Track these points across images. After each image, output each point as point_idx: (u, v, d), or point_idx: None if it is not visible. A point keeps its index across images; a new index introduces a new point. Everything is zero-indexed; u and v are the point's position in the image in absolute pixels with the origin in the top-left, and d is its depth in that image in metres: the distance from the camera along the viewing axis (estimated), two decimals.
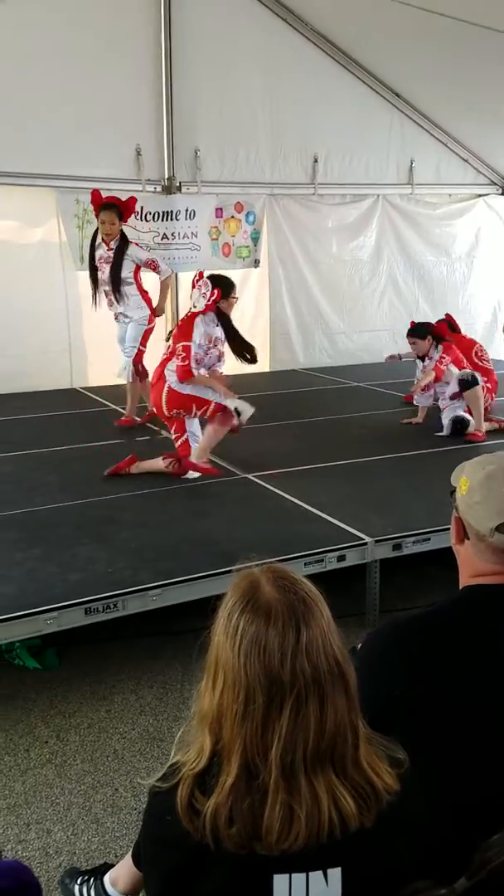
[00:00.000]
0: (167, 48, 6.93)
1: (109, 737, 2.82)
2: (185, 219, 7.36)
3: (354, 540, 3.47)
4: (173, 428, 4.54)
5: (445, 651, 1.34)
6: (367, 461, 4.74)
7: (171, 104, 7.10)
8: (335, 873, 1.03)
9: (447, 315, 5.97)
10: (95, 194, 5.46)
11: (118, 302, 5.46)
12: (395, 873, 1.07)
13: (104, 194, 5.62)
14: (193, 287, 4.49)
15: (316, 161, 7.80)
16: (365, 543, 3.45)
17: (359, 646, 1.50)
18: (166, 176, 7.33)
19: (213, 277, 4.52)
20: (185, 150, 7.29)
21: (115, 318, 5.59)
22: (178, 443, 4.49)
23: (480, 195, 8.74)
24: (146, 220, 7.20)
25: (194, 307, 4.44)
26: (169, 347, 4.53)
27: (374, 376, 6.99)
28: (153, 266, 5.60)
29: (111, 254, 5.37)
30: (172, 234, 7.34)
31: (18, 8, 6.25)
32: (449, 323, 5.83)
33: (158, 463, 4.44)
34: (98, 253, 5.40)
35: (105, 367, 6.40)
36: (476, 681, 1.32)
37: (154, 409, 4.65)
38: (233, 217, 7.65)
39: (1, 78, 6.31)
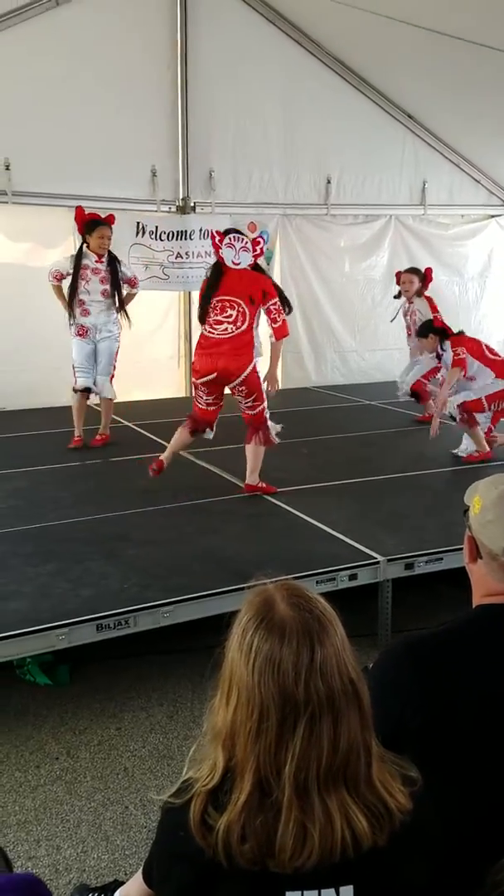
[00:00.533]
0: (183, 72, 7.05)
1: (120, 754, 2.81)
2: (199, 238, 7.43)
3: (366, 559, 3.47)
4: (253, 398, 4.41)
5: (458, 670, 1.34)
6: (378, 480, 4.74)
7: (187, 127, 7.21)
8: (347, 891, 1.03)
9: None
10: (80, 211, 5.50)
11: (104, 313, 5.51)
12: (407, 893, 1.07)
13: (119, 214, 5.72)
14: (216, 248, 4.37)
15: (329, 182, 7.88)
16: (377, 562, 3.44)
17: (371, 665, 1.50)
18: (181, 196, 7.42)
19: (229, 231, 4.50)
20: (199, 171, 7.39)
21: (82, 334, 5.48)
22: (256, 411, 4.45)
23: (493, 216, 8.78)
24: (160, 240, 7.28)
25: (236, 264, 4.32)
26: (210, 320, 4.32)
27: (386, 395, 6.99)
28: (134, 283, 5.71)
29: (100, 265, 5.43)
30: (186, 254, 7.41)
31: (37, 34, 6.39)
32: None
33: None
34: (84, 262, 5.43)
35: (115, 384, 6.43)
36: (489, 700, 1.32)
37: (225, 377, 4.35)
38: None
39: (19, 100, 6.43)
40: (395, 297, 6.53)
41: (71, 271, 5.42)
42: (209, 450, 5.29)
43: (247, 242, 4.38)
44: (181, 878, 1.08)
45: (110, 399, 5.70)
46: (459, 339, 5.19)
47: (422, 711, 1.32)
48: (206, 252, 7.50)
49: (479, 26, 5.89)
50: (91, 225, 5.40)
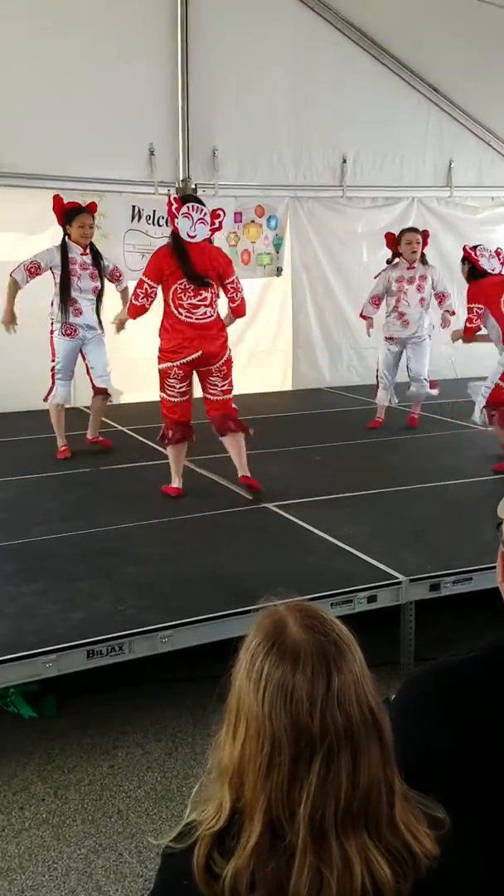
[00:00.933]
0: (183, 42, 7.09)
1: (113, 795, 2.81)
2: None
3: (387, 578, 3.46)
4: (229, 379, 4.69)
5: (490, 701, 1.34)
6: (400, 490, 4.74)
7: (188, 101, 7.25)
8: None
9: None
10: (58, 199, 5.51)
11: (96, 312, 5.56)
12: None
13: (111, 196, 5.74)
14: (172, 217, 4.46)
15: (345, 161, 7.92)
16: (399, 583, 3.44)
17: (392, 696, 1.50)
18: (181, 177, 7.45)
19: (187, 198, 4.60)
20: (201, 149, 7.43)
21: (70, 334, 5.50)
22: (230, 394, 4.70)
23: None
24: (158, 225, 7.32)
25: (191, 237, 4.43)
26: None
27: (407, 396, 6.98)
28: (118, 276, 5.72)
29: (87, 259, 5.47)
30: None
31: (27, 4, 6.42)
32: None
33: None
34: (72, 256, 5.45)
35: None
36: None
37: (207, 359, 4.54)
38: (253, 222, 7.76)
39: (10, 77, 6.46)
40: (388, 261, 6.30)
41: (54, 265, 5.43)
42: (210, 458, 5.30)
43: (205, 214, 4.47)
44: None
45: (108, 398, 5.74)
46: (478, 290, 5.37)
47: (450, 746, 1.32)
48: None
49: None
50: (70, 214, 5.42)
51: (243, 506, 4.48)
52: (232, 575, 3.51)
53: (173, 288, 4.44)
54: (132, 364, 6.77)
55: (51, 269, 5.46)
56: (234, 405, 4.71)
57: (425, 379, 6.32)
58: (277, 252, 7.95)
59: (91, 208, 5.58)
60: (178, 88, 7.22)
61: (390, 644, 3.48)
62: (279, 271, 7.98)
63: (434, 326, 6.39)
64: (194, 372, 4.61)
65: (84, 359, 5.65)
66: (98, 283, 5.52)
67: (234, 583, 3.39)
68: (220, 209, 4.65)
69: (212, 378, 4.60)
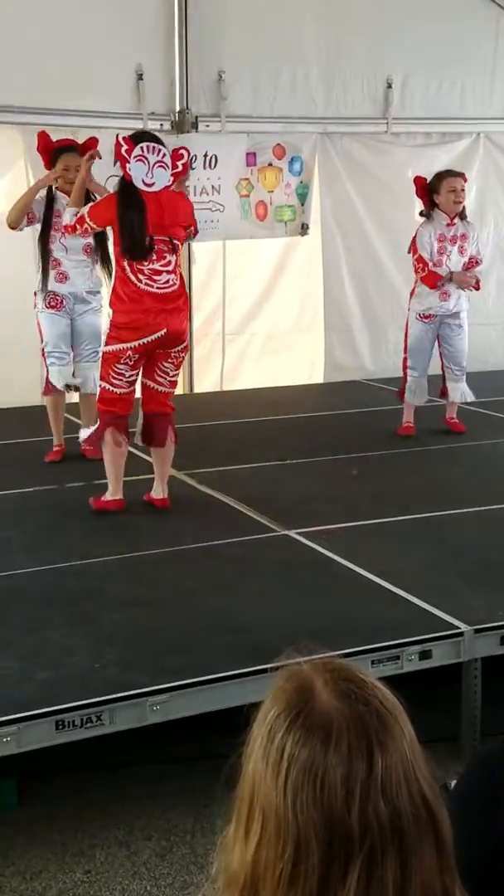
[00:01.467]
0: None
1: None
2: (204, 168, 7.49)
3: (444, 628, 3.47)
4: (180, 368, 5.07)
5: None
6: (458, 514, 4.74)
7: (186, 11, 7.29)
8: None
9: None
10: (44, 136, 5.63)
11: (85, 277, 5.67)
12: None
13: (90, 133, 5.78)
14: (122, 162, 4.57)
15: (390, 87, 7.95)
16: (461, 634, 3.44)
17: (453, 782, 1.50)
18: (177, 109, 7.49)
19: (141, 137, 4.71)
20: (204, 72, 7.48)
21: (55, 305, 5.64)
22: (175, 387, 4.99)
23: None
24: None
25: (148, 185, 4.57)
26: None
27: (473, 390, 6.99)
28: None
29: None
30: (185, 189, 7.47)
31: None
32: None
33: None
34: (56, 207, 5.54)
35: None
36: None
37: (170, 340, 4.73)
38: (271, 165, 7.78)
39: None
40: (421, 213, 6.37)
41: (39, 215, 5.53)
42: (213, 470, 5.33)
43: (164, 155, 4.62)
44: None
45: (93, 395, 5.76)
46: None
47: None
48: (213, 188, 7.57)
49: None
50: (55, 154, 5.52)
51: (259, 533, 4.49)
52: (244, 623, 3.52)
53: None
54: None
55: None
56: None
57: (464, 368, 6.40)
58: (302, 204, 7.97)
59: (89, 144, 5.61)
60: None
61: (448, 714, 3.48)
62: (304, 228, 7.99)
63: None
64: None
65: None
66: (91, 240, 5.52)
67: (246, 634, 3.40)
68: (183, 148, 4.80)
69: (164, 364, 4.75)
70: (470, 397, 6.44)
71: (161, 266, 4.58)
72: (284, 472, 5.52)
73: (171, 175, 4.64)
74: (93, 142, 5.66)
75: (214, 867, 1.13)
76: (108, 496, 4.80)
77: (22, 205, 5.58)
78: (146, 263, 4.55)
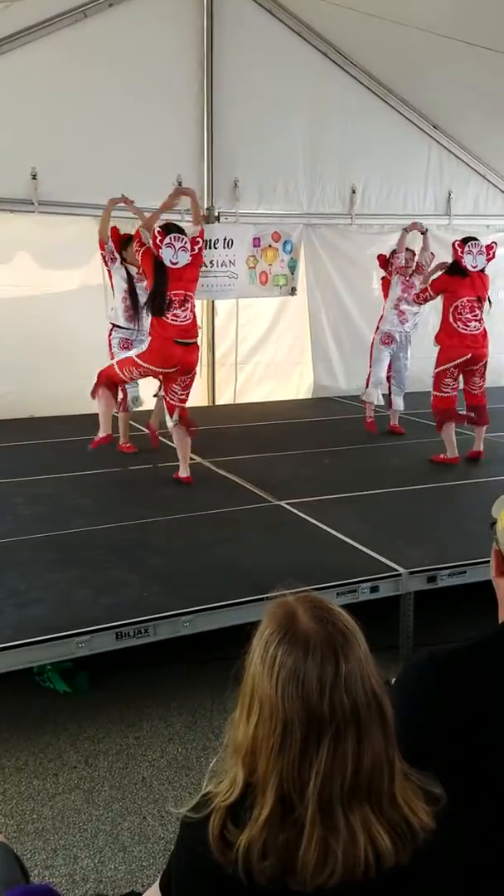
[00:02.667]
0: (208, 81, 7.10)
1: (138, 764, 2.80)
2: (223, 247, 7.46)
3: (388, 571, 3.44)
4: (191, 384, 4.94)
5: (484, 686, 1.32)
6: (401, 490, 4.70)
7: (212, 136, 7.26)
8: None
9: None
10: (115, 230, 5.55)
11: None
12: None
13: (139, 222, 5.77)
14: (157, 248, 4.55)
15: (354, 192, 7.88)
16: (399, 575, 3.41)
17: (393, 680, 1.48)
18: (206, 206, 7.45)
19: (170, 230, 4.61)
20: (224, 181, 7.42)
21: (125, 346, 5.48)
22: (188, 399, 4.96)
23: None
24: None
25: (174, 263, 4.54)
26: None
27: (413, 405, 6.94)
28: None
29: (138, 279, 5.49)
30: (211, 263, 7.43)
31: (65, 45, 6.47)
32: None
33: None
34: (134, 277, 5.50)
35: (142, 392, 6.46)
36: None
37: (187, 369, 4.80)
38: (270, 246, 7.73)
39: (49, 113, 6.51)
40: (382, 278, 6.44)
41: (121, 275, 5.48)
42: (227, 459, 5.30)
43: (185, 242, 4.56)
44: (200, 893, 1.07)
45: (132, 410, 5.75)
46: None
47: (445, 727, 1.30)
48: (230, 261, 7.54)
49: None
50: (125, 243, 5.46)
51: (259, 503, 4.46)
52: (247, 566, 3.50)
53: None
54: None
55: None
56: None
57: (405, 387, 6.35)
58: (292, 274, 7.92)
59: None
60: (203, 125, 7.23)
61: (390, 631, 3.46)
62: (293, 291, 7.95)
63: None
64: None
65: None
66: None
67: (249, 573, 3.38)
68: (198, 237, 4.72)
69: (176, 385, 4.77)
70: (402, 408, 6.38)
71: (180, 311, 4.60)
72: (277, 459, 5.49)
73: (190, 255, 4.57)
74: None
75: (225, 739, 1.11)
76: (100, 434, 4.90)
77: (104, 218, 5.51)
78: (172, 308, 4.57)
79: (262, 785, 1.02)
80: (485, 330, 5.26)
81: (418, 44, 6.35)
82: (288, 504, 4.39)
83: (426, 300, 5.54)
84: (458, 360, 5.20)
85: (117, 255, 5.40)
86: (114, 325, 5.56)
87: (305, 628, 1.04)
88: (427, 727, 1.31)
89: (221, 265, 7.49)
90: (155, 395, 5.73)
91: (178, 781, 2.71)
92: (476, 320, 5.19)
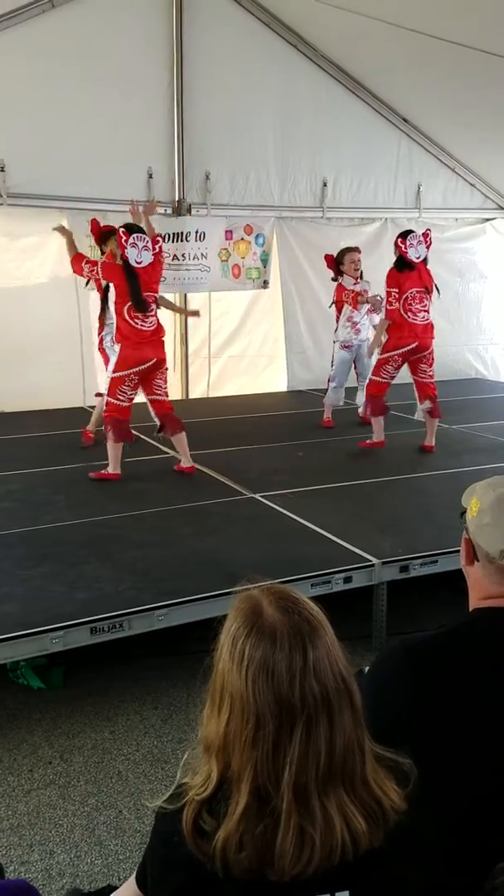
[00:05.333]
0: (179, 74, 7.03)
1: (113, 758, 2.79)
2: (195, 240, 7.42)
3: (361, 561, 3.46)
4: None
5: (456, 673, 1.33)
6: (373, 482, 4.73)
7: (183, 128, 7.19)
8: None
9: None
10: (95, 222, 5.50)
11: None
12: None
13: (113, 216, 5.70)
14: (122, 248, 4.66)
15: (325, 185, 7.87)
16: (372, 565, 3.43)
17: (366, 669, 1.49)
18: (177, 198, 7.40)
19: (132, 230, 4.74)
20: (196, 173, 7.36)
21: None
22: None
23: (487, 219, 8.79)
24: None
25: (138, 262, 4.67)
26: None
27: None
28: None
29: None
30: (183, 256, 7.40)
31: (33, 36, 6.37)
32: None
33: None
34: None
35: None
36: (484, 705, 1.31)
37: (158, 365, 4.87)
38: (242, 239, 7.71)
39: (18, 104, 6.41)
40: (333, 279, 6.38)
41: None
42: (203, 453, 5.29)
43: (147, 242, 4.73)
44: (175, 883, 1.07)
45: None
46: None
47: (419, 714, 1.31)
48: (202, 254, 7.50)
49: (474, 32, 5.89)
50: (105, 235, 5.39)
51: (233, 496, 4.46)
52: (222, 559, 3.49)
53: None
54: None
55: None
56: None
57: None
58: (265, 267, 7.91)
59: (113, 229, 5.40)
60: (173, 118, 7.15)
61: (364, 620, 3.48)
62: (266, 284, 7.93)
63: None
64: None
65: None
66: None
67: (224, 566, 3.38)
68: (158, 236, 4.87)
69: (156, 381, 4.90)
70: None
71: (149, 312, 4.74)
72: (252, 452, 5.50)
73: (153, 255, 4.72)
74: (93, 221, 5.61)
75: (198, 735, 1.11)
76: (109, 470, 4.82)
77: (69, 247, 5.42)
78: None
79: (236, 779, 1.02)
80: (431, 322, 5.42)
81: (388, 38, 6.36)
82: (262, 496, 4.39)
83: (394, 302, 5.44)
84: (404, 349, 5.38)
85: (95, 268, 5.18)
86: (103, 325, 5.45)
87: (271, 620, 1.04)
88: (401, 714, 1.32)
89: (194, 258, 7.45)
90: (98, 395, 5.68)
91: (154, 775, 2.71)
92: (424, 311, 5.37)
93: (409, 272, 5.33)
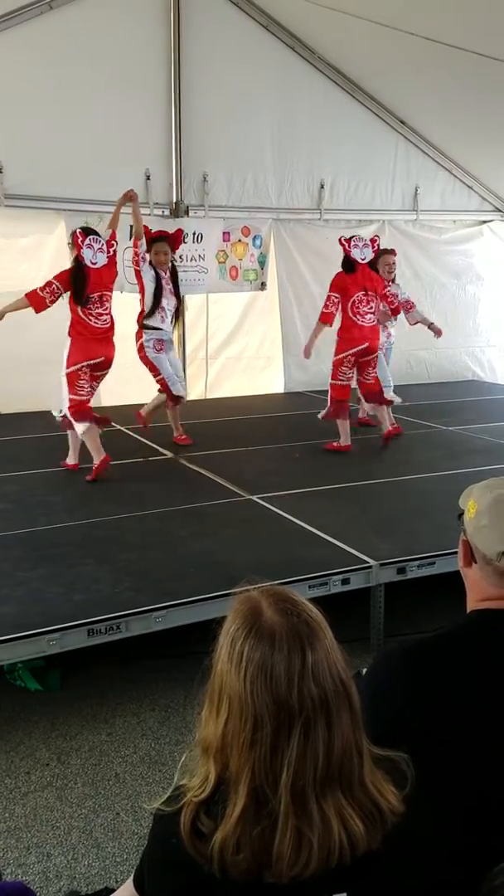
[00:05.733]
0: (176, 76, 7.05)
1: (111, 760, 2.79)
2: (193, 242, 7.43)
3: (359, 563, 3.46)
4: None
5: (454, 675, 1.34)
6: (371, 483, 4.73)
7: (180, 130, 7.20)
8: None
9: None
10: (146, 229, 5.53)
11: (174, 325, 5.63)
12: None
13: (108, 216, 5.71)
14: (78, 248, 4.85)
15: (322, 187, 7.89)
16: (369, 567, 3.43)
17: (364, 670, 1.49)
18: (174, 200, 7.41)
19: (88, 232, 4.99)
20: (193, 175, 7.38)
21: (162, 349, 5.54)
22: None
23: (484, 221, 8.81)
24: None
25: (93, 263, 4.84)
26: None
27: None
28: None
29: (166, 281, 5.47)
30: (180, 257, 7.38)
31: (30, 38, 6.39)
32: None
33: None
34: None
35: (116, 387, 6.41)
36: (482, 707, 1.31)
37: (107, 363, 5.03)
38: (240, 241, 7.72)
39: (15, 106, 6.42)
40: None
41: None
42: (199, 454, 5.29)
43: (102, 244, 4.90)
44: (173, 885, 1.07)
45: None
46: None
47: (417, 716, 1.31)
48: (199, 256, 7.51)
49: (472, 34, 5.91)
50: (152, 241, 5.42)
51: (231, 498, 4.46)
52: (220, 561, 3.49)
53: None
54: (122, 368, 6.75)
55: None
56: None
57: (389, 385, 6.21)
58: (262, 268, 7.92)
59: (177, 236, 5.56)
60: (171, 120, 7.17)
61: (362, 622, 3.48)
62: (263, 286, 7.94)
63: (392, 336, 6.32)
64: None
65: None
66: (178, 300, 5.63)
67: (222, 568, 3.37)
68: (113, 239, 5.00)
69: (98, 380, 5.05)
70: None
71: (103, 310, 4.88)
72: (249, 454, 5.49)
73: (107, 257, 4.88)
74: (179, 232, 5.65)
75: (195, 737, 1.11)
76: (95, 461, 4.80)
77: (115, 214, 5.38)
78: (93, 307, 4.84)
79: (234, 780, 1.02)
80: (377, 325, 5.63)
81: (385, 40, 6.37)
82: (259, 498, 4.39)
83: (330, 306, 5.55)
84: (355, 350, 5.51)
85: (147, 256, 5.36)
86: (143, 328, 5.49)
87: (270, 622, 1.04)
88: (399, 716, 1.32)
89: (191, 260, 7.46)
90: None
91: (152, 777, 2.70)
92: (371, 313, 5.53)
93: (353, 276, 5.48)
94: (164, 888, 1.09)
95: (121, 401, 6.74)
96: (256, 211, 7.71)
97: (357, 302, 5.46)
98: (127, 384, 6.56)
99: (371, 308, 5.50)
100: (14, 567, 3.45)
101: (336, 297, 5.46)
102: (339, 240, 5.60)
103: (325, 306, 5.53)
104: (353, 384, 5.78)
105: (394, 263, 6.10)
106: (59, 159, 6.59)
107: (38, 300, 4.91)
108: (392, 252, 6.21)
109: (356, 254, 5.47)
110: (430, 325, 6.21)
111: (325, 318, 5.54)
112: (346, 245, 5.49)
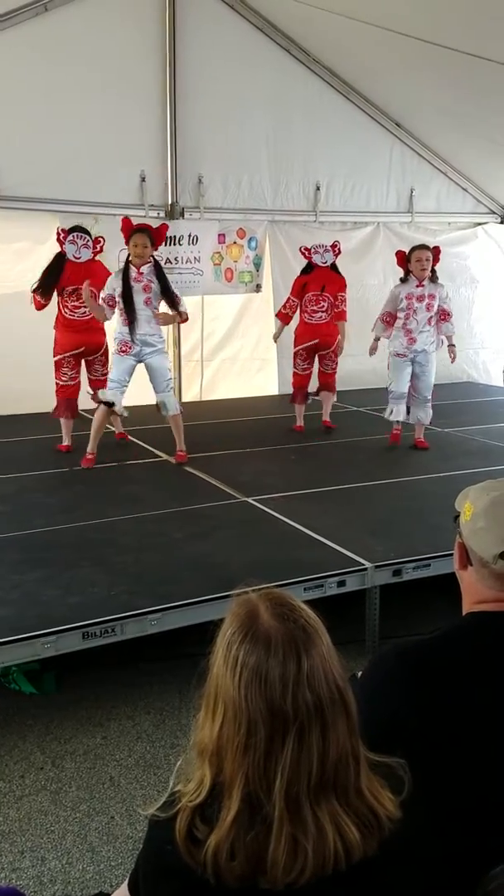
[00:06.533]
0: (171, 78, 7.05)
1: (105, 763, 2.78)
2: (188, 244, 7.42)
3: (354, 565, 3.45)
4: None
5: (449, 678, 1.33)
6: (366, 486, 4.73)
7: (175, 132, 7.20)
8: None
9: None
10: (126, 221, 5.11)
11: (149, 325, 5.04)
12: None
13: (105, 219, 5.69)
14: (60, 244, 5.27)
15: (318, 189, 7.90)
16: (365, 569, 3.43)
17: (359, 673, 1.49)
18: (169, 202, 7.40)
19: (73, 229, 5.34)
20: (188, 176, 7.38)
21: (126, 350, 5.01)
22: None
23: (479, 223, 8.83)
24: None
25: (76, 258, 5.27)
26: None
27: (376, 400, 6.98)
28: (178, 301, 5.16)
29: (143, 278, 4.96)
30: (175, 259, 7.40)
31: (26, 39, 6.38)
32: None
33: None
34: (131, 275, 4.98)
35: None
36: (477, 709, 1.31)
37: (94, 350, 5.47)
38: (235, 243, 7.72)
39: (11, 107, 6.41)
40: (401, 279, 5.72)
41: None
42: (195, 456, 5.28)
43: (88, 241, 5.21)
44: (169, 891, 1.06)
45: (177, 414, 5.27)
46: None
47: (413, 718, 1.31)
48: (195, 258, 7.50)
49: (467, 36, 5.92)
50: (131, 233, 4.99)
51: (227, 500, 4.45)
52: (216, 563, 3.48)
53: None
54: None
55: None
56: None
57: (428, 398, 5.77)
58: (257, 270, 7.92)
59: (161, 230, 5.23)
60: (166, 121, 7.16)
61: (357, 624, 3.48)
62: (258, 288, 7.94)
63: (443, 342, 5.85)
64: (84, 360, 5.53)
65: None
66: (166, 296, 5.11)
67: (217, 570, 3.37)
68: (100, 237, 5.26)
69: (95, 365, 5.49)
70: (427, 415, 5.89)
71: (80, 303, 5.15)
72: (245, 456, 5.49)
73: (92, 252, 5.25)
74: (164, 227, 5.36)
75: (191, 740, 1.10)
76: (88, 450, 5.18)
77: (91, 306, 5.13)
78: (70, 301, 5.24)
79: (228, 785, 1.02)
80: (331, 321, 6.06)
81: (380, 42, 6.38)
82: (255, 500, 4.39)
83: (292, 309, 6.17)
84: (307, 344, 6.09)
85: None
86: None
87: (267, 627, 1.03)
88: (394, 718, 1.31)
89: (186, 262, 7.45)
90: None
91: (147, 780, 2.69)
92: (322, 311, 6.02)
93: (309, 276, 6.02)
94: (160, 893, 1.08)
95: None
96: (252, 213, 7.71)
97: (308, 301, 6.02)
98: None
99: (322, 307, 6.00)
100: (9, 569, 3.44)
101: (294, 300, 6.12)
102: (300, 249, 6.22)
103: (284, 307, 6.23)
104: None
105: (427, 259, 5.50)
106: (54, 161, 6.58)
107: (35, 301, 5.32)
108: (424, 247, 5.66)
109: (317, 259, 6.05)
110: (450, 347, 5.76)
111: (280, 317, 6.31)
112: (307, 253, 6.12)
